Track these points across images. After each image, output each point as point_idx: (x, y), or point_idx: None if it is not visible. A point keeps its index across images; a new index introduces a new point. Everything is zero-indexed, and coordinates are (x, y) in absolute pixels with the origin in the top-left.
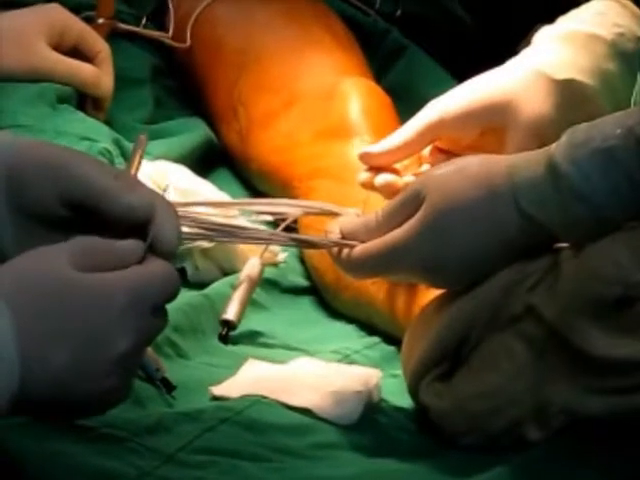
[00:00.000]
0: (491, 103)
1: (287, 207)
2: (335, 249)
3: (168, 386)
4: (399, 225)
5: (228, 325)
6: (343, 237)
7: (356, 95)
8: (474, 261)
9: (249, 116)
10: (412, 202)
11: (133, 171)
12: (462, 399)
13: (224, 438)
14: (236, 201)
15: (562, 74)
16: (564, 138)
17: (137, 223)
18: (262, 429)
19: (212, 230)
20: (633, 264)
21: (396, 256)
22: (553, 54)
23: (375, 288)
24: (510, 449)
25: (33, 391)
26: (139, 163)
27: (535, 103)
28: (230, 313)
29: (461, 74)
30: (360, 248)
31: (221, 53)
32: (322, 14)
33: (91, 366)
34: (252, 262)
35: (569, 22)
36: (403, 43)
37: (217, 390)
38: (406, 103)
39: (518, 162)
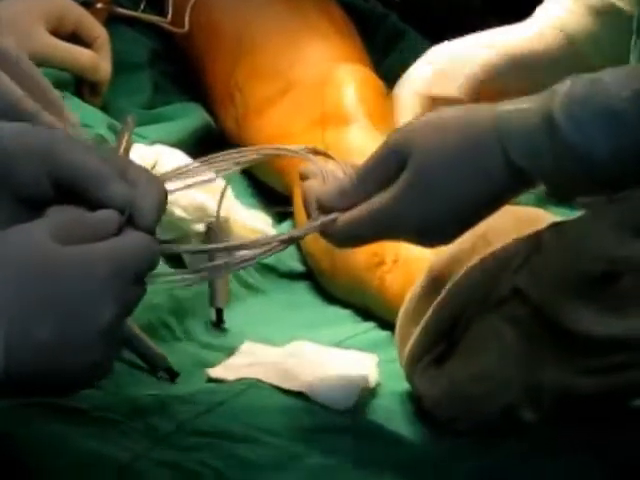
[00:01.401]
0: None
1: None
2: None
3: (172, 374)
4: (378, 186)
5: (220, 311)
6: (322, 209)
7: (351, 82)
8: (466, 215)
9: (246, 102)
10: (392, 158)
11: (121, 152)
12: (455, 384)
13: (219, 420)
14: (197, 162)
15: (580, 39)
16: (562, 91)
17: (122, 208)
18: (257, 412)
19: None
20: (616, 239)
21: (388, 222)
22: (572, 16)
23: (370, 274)
24: (504, 432)
25: (17, 366)
26: (128, 144)
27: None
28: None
29: None
30: (346, 218)
31: (219, 39)
32: (320, 0)
33: (75, 338)
34: None
35: None
36: (401, 28)
37: (213, 372)
38: None
39: (506, 111)
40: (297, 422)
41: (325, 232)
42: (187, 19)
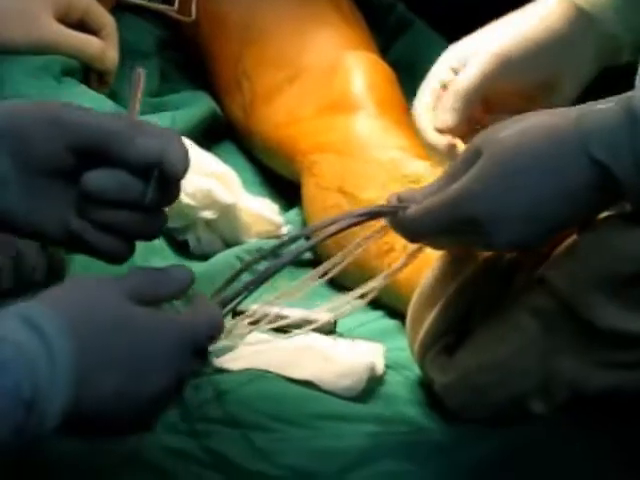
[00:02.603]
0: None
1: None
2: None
3: None
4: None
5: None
6: (400, 201)
7: (359, 69)
8: (537, 211)
9: (253, 90)
10: (469, 161)
11: (136, 109)
12: (467, 372)
13: (226, 408)
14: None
15: (600, 12)
16: None
17: (150, 163)
18: (264, 400)
19: None
20: None
21: (455, 208)
22: None
23: (378, 262)
24: (513, 422)
25: (79, 412)
26: (140, 101)
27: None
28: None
29: None
30: (417, 207)
31: (225, 26)
32: None
33: (129, 398)
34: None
35: None
36: (408, 17)
37: (219, 362)
38: (411, 78)
39: (587, 110)
40: (304, 409)
41: (397, 221)
42: (194, 7)
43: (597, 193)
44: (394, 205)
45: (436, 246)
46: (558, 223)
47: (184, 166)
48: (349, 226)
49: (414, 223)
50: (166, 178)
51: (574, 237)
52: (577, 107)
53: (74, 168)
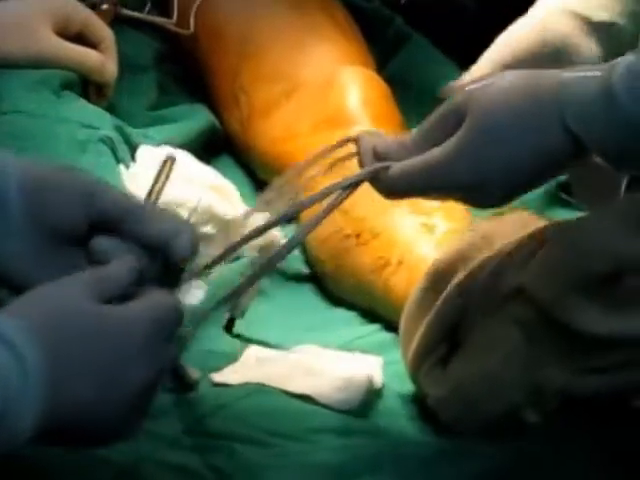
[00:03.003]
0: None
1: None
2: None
3: (188, 387)
4: (437, 142)
5: (232, 318)
6: (377, 157)
7: (355, 85)
8: (517, 176)
9: (250, 104)
10: (452, 117)
11: (157, 192)
12: (459, 384)
13: (224, 423)
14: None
15: (596, 15)
16: (624, 63)
17: (159, 243)
18: (262, 414)
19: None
20: (621, 237)
21: (440, 173)
22: None
23: (375, 276)
24: (508, 433)
25: (57, 420)
26: (164, 185)
27: (581, 47)
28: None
29: (465, 62)
30: (399, 166)
31: (223, 40)
32: (324, 2)
33: (111, 399)
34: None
35: None
36: (406, 31)
37: (218, 377)
38: (409, 92)
39: (569, 78)
40: (302, 423)
41: (377, 179)
42: (192, 21)
43: (570, 154)
44: (374, 168)
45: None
46: (530, 184)
47: (189, 254)
48: (340, 201)
49: (392, 183)
50: (171, 262)
51: (548, 244)
52: (562, 71)
53: (85, 234)
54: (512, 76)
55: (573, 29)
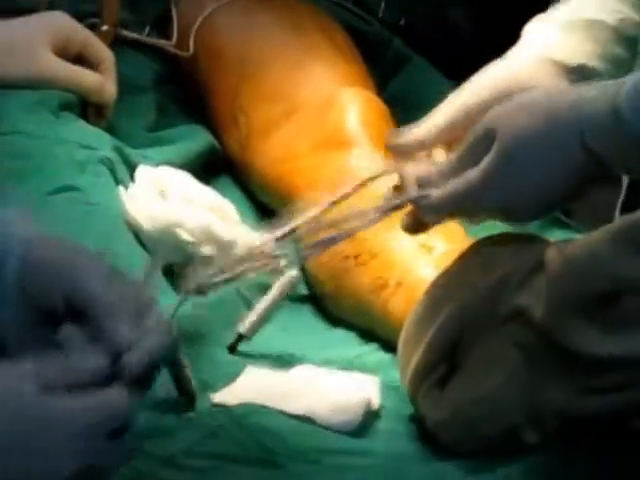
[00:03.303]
0: (509, 92)
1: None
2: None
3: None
4: (473, 165)
5: (240, 338)
6: (419, 185)
7: (354, 106)
8: (548, 191)
9: (249, 125)
10: (483, 141)
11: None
12: (458, 406)
13: (224, 443)
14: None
15: (573, 60)
16: (631, 81)
17: (119, 350)
18: (262, 435)
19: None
20: (618, 258)
21: (474, 197)
22: (560, 40)
23: (373, 297)
24: (508, 454)
25: None
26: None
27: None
28: (245, 326)
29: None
30: (440, 191)
31: (223, 61)
32: (324, 23)
33: None
34: (286, 276)
35: (567, 8)
36: (406, 53)
37: (216, 397)
38: (409, 113)
39: (584, 96)
40: (301, 444)
41: (419, 205)
42: (192, 42)
43: (595, 171)
44: (416, 196)
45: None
46: (563, 199)
47: (139, 370)
48: (377, 221)
49: (436, 208)
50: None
51: (547, 265)
52: (573, 91)
53: (63, 314)
54: (532, 97)
55: (546, 77)
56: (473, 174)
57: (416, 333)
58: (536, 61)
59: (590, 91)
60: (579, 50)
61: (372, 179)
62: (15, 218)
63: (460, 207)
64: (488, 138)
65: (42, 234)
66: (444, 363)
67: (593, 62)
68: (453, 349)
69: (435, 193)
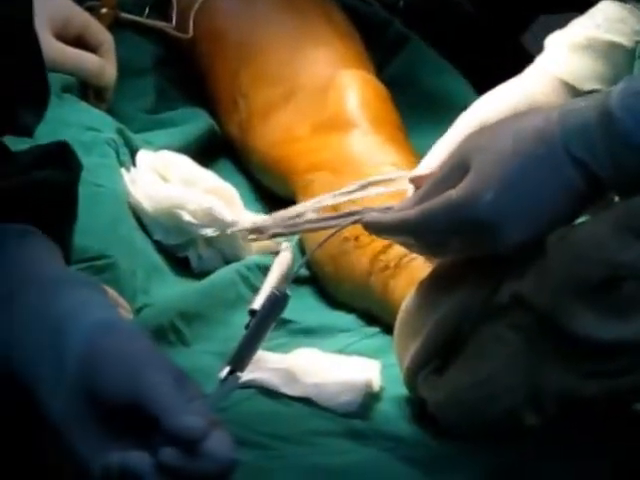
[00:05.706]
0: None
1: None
2: None
3: None
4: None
5: (253, 314)
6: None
7: (353, 88)
8: (536, 217)
9: (249, 108)
10: (457, 170)
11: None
12: (458, 389)
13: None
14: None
15: (586, 84)
16: (621, 86)
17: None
18: (262, 417)
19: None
20: (617, 244)
21: (459, 211)
22: (574, 63)
23: (373, 279)
24: (507, 436)
25: None
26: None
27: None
28: (258, 303)
29: (463, 65)
30: (417, 208)
31: (222, 44)
32: (323, 5)
33: None
34: (284, 254)
35: (584, 28)
36: (405, 34)
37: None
38: (408, 95)
39: (568, 109)
40: (302, 426)
41: (393, 222)
42: (191, 25)
43: (585, 187)
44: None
45: (430, 253)
46: (556, 218)
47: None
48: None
49: (415, 225)
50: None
51: (546, 251)
52: (559, 106)
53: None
54: (506, 119)
55: (557, 100)
56: (452, 191)
57: (414, 320)
58: (551, 85)
59: (572, 105)
60: (592, 74)
61: (380, 182)
62: (87, 299)
63: (438, 226)
64: (462, 167)
65: (111, 319)
66: (442, 353)
67: (606, 86)
68: (453, 338)
69: (418, 207)
